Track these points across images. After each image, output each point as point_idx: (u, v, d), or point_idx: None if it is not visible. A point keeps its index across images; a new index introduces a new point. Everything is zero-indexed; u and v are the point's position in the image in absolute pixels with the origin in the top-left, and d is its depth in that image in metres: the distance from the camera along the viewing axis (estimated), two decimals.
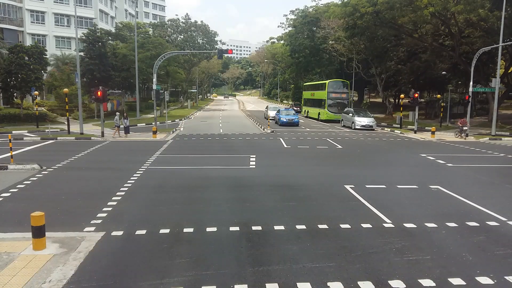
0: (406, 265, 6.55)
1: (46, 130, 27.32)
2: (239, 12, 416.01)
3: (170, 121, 38.61)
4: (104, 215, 9.07)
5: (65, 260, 6.60)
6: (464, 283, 5.94)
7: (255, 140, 24.38)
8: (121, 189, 11.44)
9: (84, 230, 8.11)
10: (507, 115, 39.12)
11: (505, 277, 6.16)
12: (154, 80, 29.00)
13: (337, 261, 6.70)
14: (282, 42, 79.17)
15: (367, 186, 12.03)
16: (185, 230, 8.12)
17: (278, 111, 38.04)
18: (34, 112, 32.52)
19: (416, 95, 31.32)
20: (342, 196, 10.93)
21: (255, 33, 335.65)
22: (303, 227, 8.35)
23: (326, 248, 7.26)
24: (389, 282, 5.95)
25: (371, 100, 68.92)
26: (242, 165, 15.76)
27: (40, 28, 53.78)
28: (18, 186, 11.87)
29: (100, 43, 40.85)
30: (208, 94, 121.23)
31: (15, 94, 35.57)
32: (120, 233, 7.96)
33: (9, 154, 15.52)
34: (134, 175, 13.44)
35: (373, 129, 32.48)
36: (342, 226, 8.44)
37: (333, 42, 49.16)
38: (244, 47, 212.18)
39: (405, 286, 5.85)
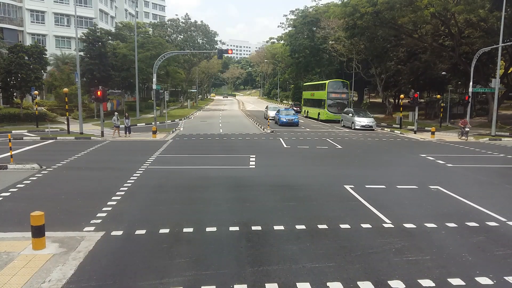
0: (406, 265, 6.55)
1: (46, 130, 27.32)
2: (239, 12, 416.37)
3: (170, 121, 38.63)
4: (103, 215, 9.07)
5: (64, 259, 6.59)
6: (464, 284, 5.94)
7: (255, 140, 24.38)
8: (121, 189, 11.44)
9: (84, 229, 8.10)
10: (507, 116, 39.13)
11: (505, 277, 6.15)
12: (154, 80, 29.01)
13: (337, 261, 6.70)
14: (282, 42, 79.24)
15: (366, 186, 12.03)
16: (185, 230, 8.12)
17: (278, 111, 38.02)
18: (34, 112, 32.52)
19: (416, 95, 31.36)
20: (342, 196, 10.93)
21: (255, 33, 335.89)
22: (303, 227, 8.35)
23: (326, 248, 7.26)
24: (389, 282, 5.95)
25: (371, 100, 68.93)
26: (242, 165, 15.76)
27: (40, 28, 53.77)
28: (18, 185, 11.86)
29: (100, 43, 40.86)
30: (207, 95, 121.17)
31: (15, 94, 35.56)
32: (119, 233, 7.96)
33: (8, 153, 15.52)
34: (134, 175, 13.44)
35: (373, 129, 32.48)
36: (342, 226, 8.44)
37: (333, 42, 49.18)
38: (244, 47, 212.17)
39: (404, 286, 5.85)
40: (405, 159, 18.07)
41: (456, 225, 8.56)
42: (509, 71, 37.40)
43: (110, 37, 50.60)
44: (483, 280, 6.03)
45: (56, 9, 54.96)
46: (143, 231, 8.03)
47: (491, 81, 30.76)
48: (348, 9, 36.22)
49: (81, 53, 38.68)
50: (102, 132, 25.25)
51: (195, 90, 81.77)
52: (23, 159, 16.07)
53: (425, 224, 8.58)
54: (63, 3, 55.52)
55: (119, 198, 10.50)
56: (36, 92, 31.98)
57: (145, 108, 51.33)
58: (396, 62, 44.69)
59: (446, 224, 8.63)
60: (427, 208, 9.90)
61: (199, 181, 12.80)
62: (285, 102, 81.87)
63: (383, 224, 8.60)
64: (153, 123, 29.19)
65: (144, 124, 35.57)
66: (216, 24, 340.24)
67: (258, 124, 35.98)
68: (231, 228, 8.22)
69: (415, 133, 29.57)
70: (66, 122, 27.13)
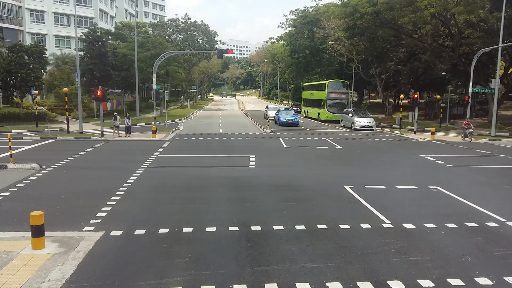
0: (405, 266, 6.55)
1: (46, 130, 27.30)
2: (239, 12, 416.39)
3: (169, 120, 38.63)
4: (103, 214, 9.07)
5: (64, 259, 6.59)
6: (463, 284, 5.94)
7: (255, 140, 24.38)
8: (121, 188, 11.43)
9: (84, 229, 8.10)
10: (507, 116, 39.15)
11: (504, 277, 6.16)
12: (154, 79, 29.01)
13: (336, 261, 6.70)
14: (282, 42, 79.25)
15: (366, 186, 12.03)
16: (185, 230, 8.12)
17: (278, 111, 38.01)
18: (33, 111, 32.52)
19: (416, 95, 31.35)
20: (342, 197, 10.93)
21: (255, 33, 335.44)
22: (302, 227, 8.35)
23: (325, 248, 7.26)
24: (388, 282, 5.95)
25: (370, 100, 68.92)
26: (241, 165, 15.76)
27: (40, 27, 53.73)
28: (18, 185, 11.86)
29: (100, 43, 40.86)
30: (207, 95, 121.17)
31: (14, 93, 35.53)
32: (119, 232, 7.96)
33: (8, 153, 15.51)
34: (134, 174, 13.44)
35: (373, 130, 32.48)
36: (342, 226, 8.44)
37: (333, 42, 49.19)
38: (244, 47, 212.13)
39: (404, 286, 5.86)
40: (404, 160, 18.07)
41: (455, 226, 8.57)
42: (509, 72, 37.40)
43: (110, 37, 50.58)
44: (483, 281, 6.04)
45: (56, 9, 54.92)
46: (142, 231, 8.03)
47: (491, 81, 30.76)
48: (348, 9, 36.22)
49: (81, 53, 38.67)
50: (102, 131, 25.24)
51: (195, 90, 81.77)
52: (23, 158, 16.07)
53: (425, 225, 8.58)
54: (63, 2, 55.49)
55: (118, 198, 10.49)
56: (36, 91, 31.98)
57: (145, 108, 51.35)
58: (396, 63, 44.70)
59: (446, 224, 8.64)
60: (426, 208, 9.91)
61: (198, 181, 12.80)
62: (285, 102, 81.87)
63: (383, 225, 8.60)
64: (153, 123, 29.19)
65: (144, 124, 35.56)
66: (216, 24, 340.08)
67: (258, 124, 35.99)
68: (231, 228, 8.22)
69: (415, 133, 29.57)
70: (66, 122, 27.13)
